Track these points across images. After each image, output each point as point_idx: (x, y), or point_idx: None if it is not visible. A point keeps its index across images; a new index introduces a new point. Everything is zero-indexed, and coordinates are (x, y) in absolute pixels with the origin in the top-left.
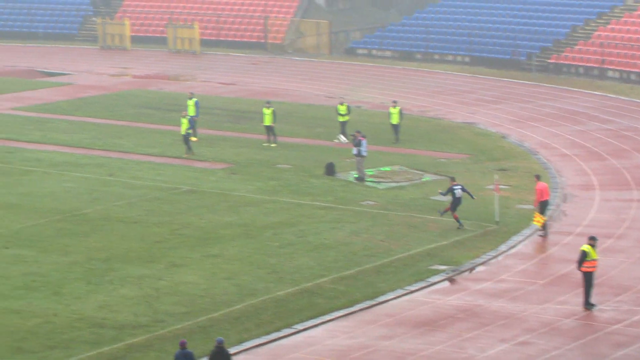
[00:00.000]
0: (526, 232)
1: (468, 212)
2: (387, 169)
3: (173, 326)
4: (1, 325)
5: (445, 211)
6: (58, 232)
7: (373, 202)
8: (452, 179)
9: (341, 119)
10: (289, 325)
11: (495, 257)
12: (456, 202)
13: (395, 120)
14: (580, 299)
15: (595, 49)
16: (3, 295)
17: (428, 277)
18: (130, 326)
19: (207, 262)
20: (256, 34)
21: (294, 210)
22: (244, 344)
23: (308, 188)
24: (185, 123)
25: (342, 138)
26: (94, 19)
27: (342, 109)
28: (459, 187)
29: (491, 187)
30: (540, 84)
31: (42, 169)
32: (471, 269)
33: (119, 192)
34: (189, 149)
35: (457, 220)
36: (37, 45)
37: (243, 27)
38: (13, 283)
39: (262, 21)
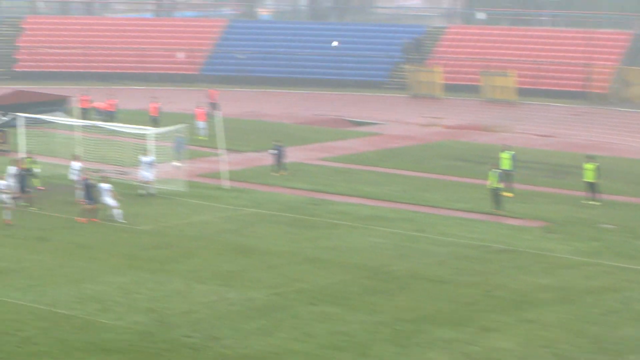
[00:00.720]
0: None
1: None
2: None
3: None
4: None
5: None
6: (364, 290)
7: None
8: None
9: None
10: None
11: None
12: None
13: None
14: None
15: None
16: (309, 354)
17: None
18: None
19: (522, 327)
20: (577, 82)
21: (618, 275)
22: None
23: (634, 251)
24: (493, 177)
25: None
26: (404, 66)
27: None
28: None
29: None
30: None
31: (348, 222)
32: None
33: (427, 248)
34: (498, 204)
35: None
36: (345, 93)
37: (563, 75)
38: (319, 342)
39: (583, 69)
